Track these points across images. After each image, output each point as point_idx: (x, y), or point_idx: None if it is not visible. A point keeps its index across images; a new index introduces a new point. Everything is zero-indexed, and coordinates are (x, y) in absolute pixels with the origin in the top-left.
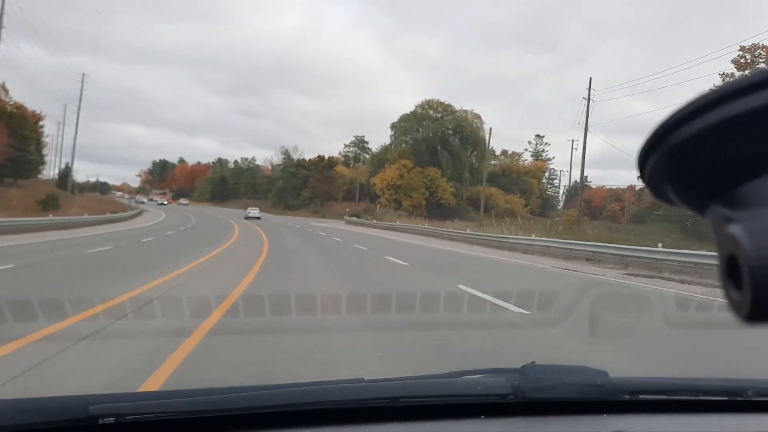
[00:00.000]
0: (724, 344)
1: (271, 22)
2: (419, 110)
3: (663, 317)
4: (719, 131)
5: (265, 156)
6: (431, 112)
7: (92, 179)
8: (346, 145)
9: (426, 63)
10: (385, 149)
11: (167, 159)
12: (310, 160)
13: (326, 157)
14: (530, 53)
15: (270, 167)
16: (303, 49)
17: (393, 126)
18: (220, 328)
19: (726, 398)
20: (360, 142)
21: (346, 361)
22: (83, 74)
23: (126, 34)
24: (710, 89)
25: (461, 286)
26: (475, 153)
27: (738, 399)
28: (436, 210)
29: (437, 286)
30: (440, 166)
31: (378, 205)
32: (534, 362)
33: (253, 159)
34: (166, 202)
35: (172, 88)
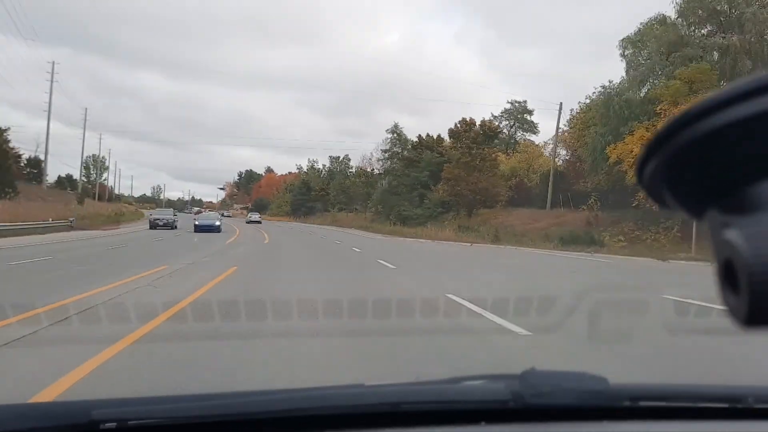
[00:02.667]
0: (722, 350)
1: (371, 42)
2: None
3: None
4: (717, 137)
5: (364, 152)
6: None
7: (184, 196)
8: (493, 117)
9: (527, 76)
10: (606, 101)
11: (254, 169)
12: (436, 138)
13: (475, 122)
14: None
15: (369, 166)
16: (403, 67)
17: (627, 43)
18: None
19: (726, 405)
20: (520, 111)
21: None
22: (53, 62)
23: (236, 60)
24: (709, 95)
25: None
26: None
27: (738, 406)
28: None
29: None
30: None
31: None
32: (533, 368)
33: (347, 157)
34: (225, 215)
35: (278, 110)
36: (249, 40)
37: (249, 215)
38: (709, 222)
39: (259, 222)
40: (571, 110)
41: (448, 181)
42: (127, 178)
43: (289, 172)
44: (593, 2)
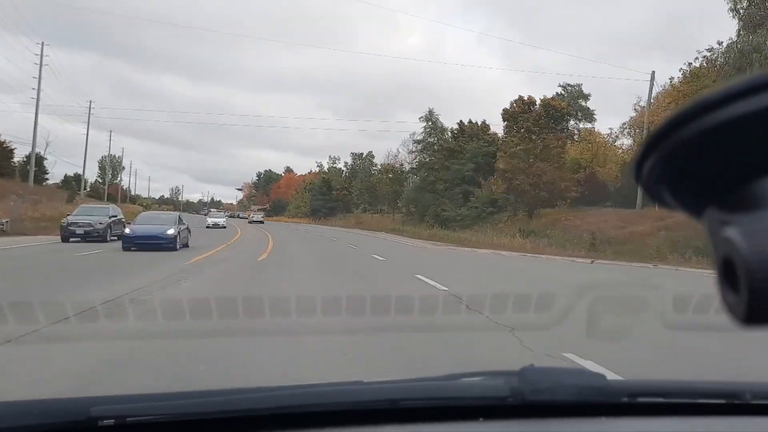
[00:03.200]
0: (721, 347)
1: (392, 44)
2: None
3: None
4: (716, 134)
5: (389, 149)
6: None
7: (204, 198)
8: (542, 102)
9: (551, 76)
10: (740, 57)
11: (273, 170)
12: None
13: (534, 101)
14: (666, 61)
15: (396, 163)
16: (424, 69)
17: None
18: None
19: (724, 401)
20: (575, 96)
21: None
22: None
23: (258, 63)
24: (708, 93)
25: None
26: None
27: (736, 402)
28: None
29: None
30: None
31: None
32: (532, 365)
33: (370, 154)
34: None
35: (299, 113)
36: (271, 43)
37: (251, 215)
38: (708, 220)
39: (261, 222)
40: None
41: (504, 174)
42: (150, 180)
43: (310, 171)
44: (619, 2)
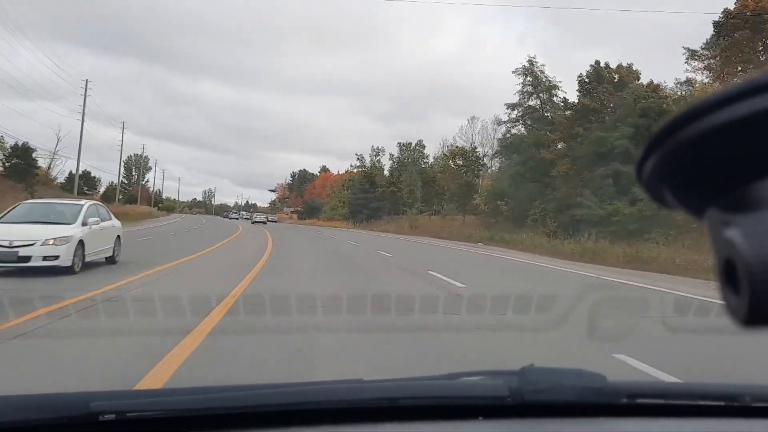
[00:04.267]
0: (722, 348)
1: (428, 46)
2: None
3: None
4: (718, 135)
5: (443, 137)
6: None
7: (238, 201)
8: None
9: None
10: None
11: (308, 169)
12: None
13: None
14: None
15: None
16: (461, 71)
17: None
18: None
19: (723, 403)
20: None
21: None
22: (86, 80)
23: (294, 67)
24: (710, 93)
25: None
26: None
27: (736, 404)
28: None
29: None
30: None
31: None
32: (532, 364)
33: (420, 144)
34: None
35: (334, 116)
36: (307, 47)
37: (254, 216)
38: (709, 220)
39: (264, 223)
40: None
41: None
42: (185, 184)
43: (351, 166)
44: (661, 1)
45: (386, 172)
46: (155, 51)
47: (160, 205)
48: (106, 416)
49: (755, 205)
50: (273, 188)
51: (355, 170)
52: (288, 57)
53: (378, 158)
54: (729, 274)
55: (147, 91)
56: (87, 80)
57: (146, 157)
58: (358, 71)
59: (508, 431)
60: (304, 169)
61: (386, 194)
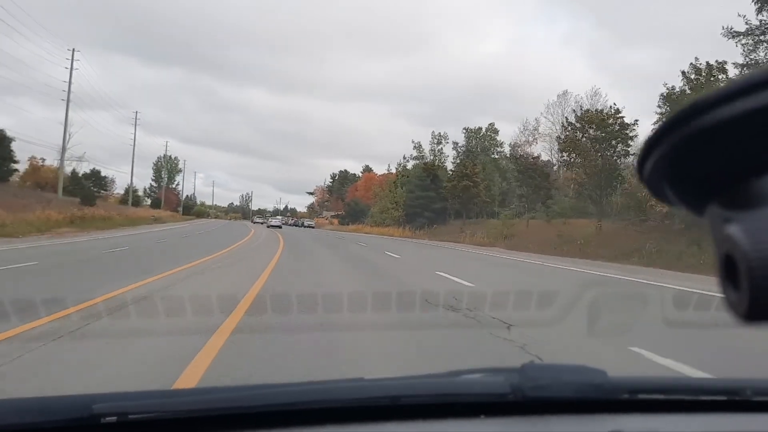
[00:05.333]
0: (723, 343)
1: (470, 49)
2: None
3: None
4: (717, 132)
5: (524, 117)
6: None
7: (278, 205)
8: None
9: (640, 78)
10: None
11: (348, 170)
12: None
13: None
14: None
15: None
16: (504, 74)
17: None
18: None
19: (725, 398)
20: None
21: None
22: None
23: (338, 73)
24: (711, 90)
25: None
26: None
27: (737, 399)
28: None
29: None
30: None
31: None
32: (533, 361)
33: (492, 127)
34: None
35: (376, 121)
36: (350, 53)
37: (270, 219)
38: (710, 217)
39: (279, 227)
40: None
41: None
42: (225, 189)
43: (404, 158)
44: None
45: (449, 165)
46: (201, 60)
47: (178, 209)
48: (108, 418)
49: (755, 201)
50: (311, 191)
51: (408, 165)
52: (331, 63)
53: (440, 147)
54: (729, 270)
55: (193, 99)
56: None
57: (176, 157)
58: (401, 76)
59: (510, 429)
60: (345, 170)
61: (457, 190)
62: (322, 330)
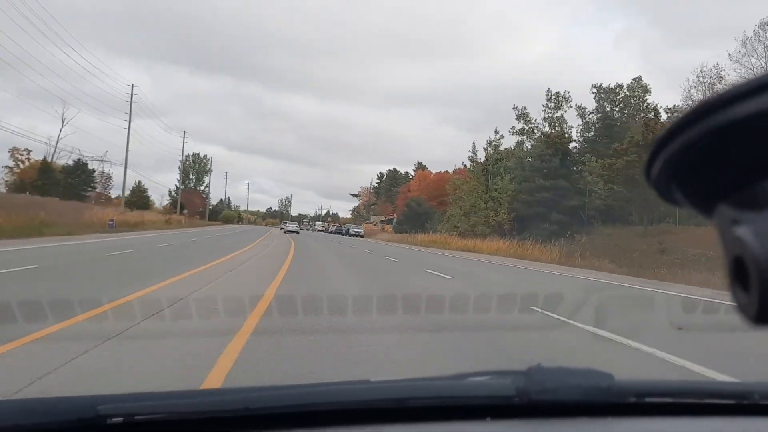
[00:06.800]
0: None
1: (518, 52)
2: None
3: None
4: (727, 132)
5: (702, 61)
6: None
7: (319, 211)
8: None
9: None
10: None
11: (398, 168)
12: None
13: None
14: None
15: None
16: (552, 76)
17: None
18: None
19: (733, 401)
20: None
21: None
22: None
23: (380, 78)
24: (719, 90)
25: None
26: None
27: (744, 402)
28: None
29: None
30: None
31: None
32: (539, 364)
33: (639, 80)
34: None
35: (420, 127)
36: (394, 59)
37: (286, 224)
38: (719, 218)
39: (296, 232)
40: None
41: None
42: (264, 194)
43: (496, 133)
44: None
45: (583, 127)
46: (247, 69)
47: (202, 211)
48: (114, 419)
49: (765, 203)
50: (355, 192)
51: (462, 172)
52: (374, 69)
53: (561, 112)
54: (738, 272)
55: (238, 107)
56: (185, 132)
57: (205, 156)
58: (445, 81)
59: (516, 431)
60: (394, 168)
61: (619, 175)
62: None
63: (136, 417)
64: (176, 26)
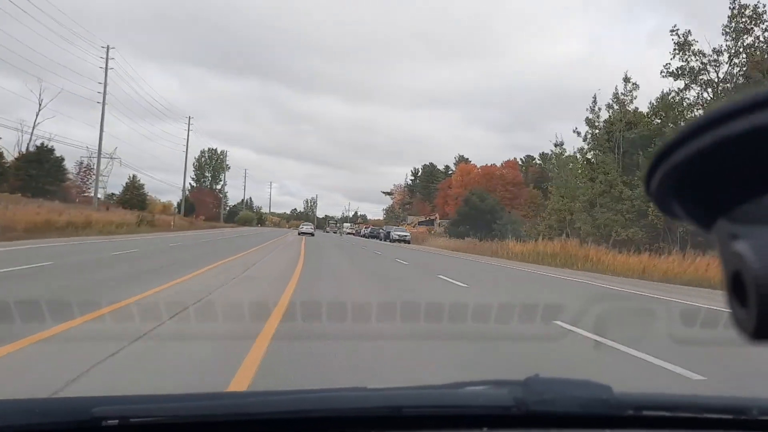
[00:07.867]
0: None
1: (548, 51)
2: None
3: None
4: (727, 147)
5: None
6: None
7: (347, 212)
8: None
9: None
10: None
11: (436, 164)
12: None
13: None
14: None
15: None
16: (584, 75)
17: None
18: None
19: (730, 416)
20: None
21: None
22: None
23: (408, 80)
24: (718, 107)
25: None
26: None
27: (742, 418)
28: None
29: None
30: None
31: None
32: (537, 375)
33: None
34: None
35: (447, 128)
36: (420, 60)
37: (301, 226)
38: (718, 233)
39: (312, 234)
40: None
41: None
42: (288, 195)
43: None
44: None
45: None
46: (275, 71)
47: (188, 213)
48: (109, 422)
49: (764, 218)
50: (388, 190)
51: (512, 163)
52: (401, 70)
53: (632, 93)
54: (737, 287)
55: (267, 110)
56: (189, 117)
57: (222, 151)
58: (472, 81)
59: None
60: (431, 163)
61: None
62: None
63: (131, 420)
64: (203, 30)
